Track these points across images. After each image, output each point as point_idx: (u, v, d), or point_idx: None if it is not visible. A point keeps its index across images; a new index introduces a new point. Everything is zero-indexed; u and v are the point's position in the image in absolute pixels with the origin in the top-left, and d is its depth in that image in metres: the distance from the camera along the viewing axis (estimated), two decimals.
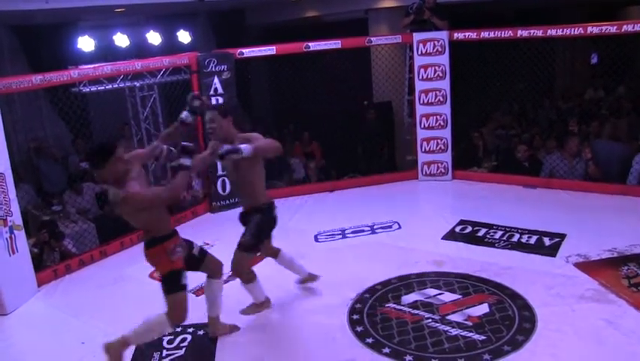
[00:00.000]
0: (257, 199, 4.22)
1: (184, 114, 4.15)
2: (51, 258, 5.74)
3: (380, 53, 8.10)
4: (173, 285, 3.76)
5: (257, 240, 4.22)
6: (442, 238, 5.67)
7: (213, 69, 6.80)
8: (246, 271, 4.30)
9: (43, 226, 5.89)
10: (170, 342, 4.23)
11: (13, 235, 5.02)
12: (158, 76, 6.72)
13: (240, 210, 4.39)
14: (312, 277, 4.83)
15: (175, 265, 3.77)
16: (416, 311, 4.33)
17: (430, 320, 4.18)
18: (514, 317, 4.12)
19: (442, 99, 7.27)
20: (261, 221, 4.21)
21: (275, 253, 4.66)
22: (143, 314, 4.36)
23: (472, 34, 7.01)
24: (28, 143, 8.09)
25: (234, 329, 4.31)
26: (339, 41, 7.26)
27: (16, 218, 5.09)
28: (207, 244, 5.80)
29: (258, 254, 4.52)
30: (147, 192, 3.67)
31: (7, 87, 5.19)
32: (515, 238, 5.50)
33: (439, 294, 4.55)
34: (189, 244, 4.03)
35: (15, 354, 4.38)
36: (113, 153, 3.51)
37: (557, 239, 5.37)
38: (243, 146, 3.93)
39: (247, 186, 4.21)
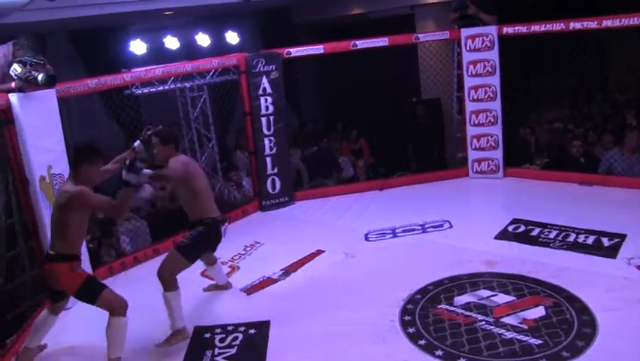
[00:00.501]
0: (197, 215, 4.43)
1: (136, 143, 4.52)
2: (108, 254, 5.89)
3: (427, 49, 8.00)
4: (94, 290, 3.99)
5: (194, 246, 4.33)
6: (494, 238, 5.55)
7: (261, 69, 6.85)
8: (171, 276, 4.24)
9: (99, 224, 6.08)
10: (222, 340, 4.27)
11: None
12: (208, 77, 6.81)
13: None
14: (228, 285, 5.06)
15: (84, 275, 4.04)
16: (469, 313, 4.25)
17: (483, 323, 4.10)
18: (572, 321, 3.99)
19: (491, 95, 7.12)
20: (201, 232, 4.37)
21: (211, 261, 4.91)
22: (196, 310, 4.42)
23: (522, 29, 6.84)
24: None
25: None
26: (386, 39, 7.21)
27: None
28: (257, 242, 5.85)
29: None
30: (96, 196, 4.06)
31: (66, 91, 5.35)
32: (571, 238, 5.33)
33: (493, 295, 4.46)
34: None
35: (73, 347, 4.49)
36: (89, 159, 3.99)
37: (617, 239, 5.18)
38: (145, 171, 4.07)
39: (185, 203, 4.49)
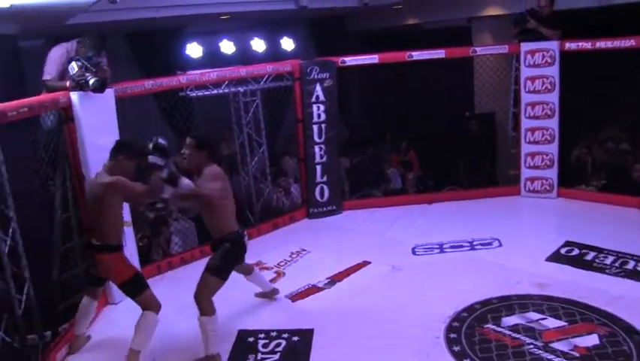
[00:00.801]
0: (222, 231, 4.28)
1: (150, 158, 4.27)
2: (158, 252, 5.99)
3: (484, 62, 7.85)
4: (140, 286, 4.14)
5: (224, 264, 4.22)
6: (545, 260, 5.40)
7: (315, 77, 6.86)
8: (207, 300, 4.14)
9: (149, 223, 6.21)
10: (265, 346, 4.29)
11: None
12: (262, 82, 6.84)
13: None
14: (274, 292, 5.01)
15: (134, 269, 4.20)
16: (517, 335, 4.14)
17: (532, 346, 3.99)
18: (630, 353, 3.83)
19: (549, 113, 6.94)
20: (229, 249, 4.26)
21: (247, 271, 4.84)
22: (241, 314, 4.42)
23: (585, 44, 6.64)
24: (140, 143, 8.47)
25: None
26: (443, 51, 7.12)
27: (126, 214, 5.26)
28: (304, 250, 5.85)
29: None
30: (130, 182, 4.13)
31: (123, 92, 5.47)
32: (630, 266, 5.12)
33: (542, 319, 4.33)
34: None
35: (118, 340, 4.54)
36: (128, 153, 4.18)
37: None
38: (185, 182, 4.06)
39: (209, 220, 4.31)
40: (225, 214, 4.26)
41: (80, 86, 4.83)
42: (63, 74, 5.06)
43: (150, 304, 4.09)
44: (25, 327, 4.32)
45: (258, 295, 5.00)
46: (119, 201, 4.14)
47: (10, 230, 4.30)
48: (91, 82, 4.76)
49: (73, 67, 4.80)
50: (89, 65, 4.80)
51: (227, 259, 4.23)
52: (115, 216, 4.11)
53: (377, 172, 8.24)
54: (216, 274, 4.15)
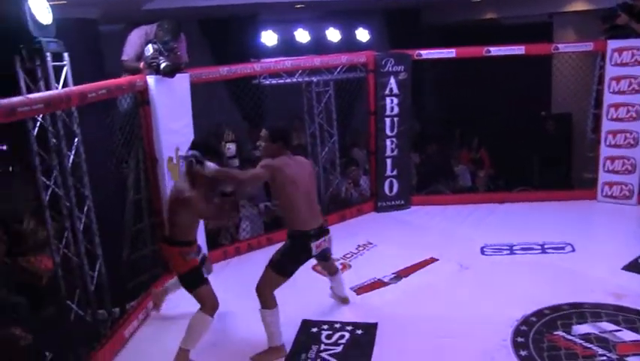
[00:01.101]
0: (290, 225, 4.14)
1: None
2: (226, 237, 6.13)
3: (564, 59, 7.58)
4: (196, 281, 4.11)
5: (283, 261, 4.08)
6: (622, 268, 5.17)
7: (390, 69, 6.81)
8: (267, 293, 4.06)
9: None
10: (328, 337, 4.30)
11: None
12: (335, 72, 6.83)
13: None
14: (346, 300, 4.79)
15: (192, 264, 4.12)
16: (589, 345, 3.99)
17: (604, 358, 3.83)
18: None
19: (634, 115, 6.63)
20: (289, 246, 4.13)
21: (331, 270, 4.66)
22: (306, 303, 4.43)
23: None
24: (211, 129, 8.65)
25: None
26: (523, 47, 6.90)
27: None
28: (370, 243, 5.84)
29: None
30: (201, 205, 4.01)
31: (198, 77, 5.56)
32: None
33: (617, 330, 4.15)
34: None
35: (184, 320, 4.47)
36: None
37: None
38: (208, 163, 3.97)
39: (281, 210, 4.27)
40: (292, 209, 4.06)
41: (152, 68, 4.93)
42: (140, 55, 5.19)
43: (204, 302, 4.08)
44: (96, 303, 4.55)
45: (331, 296, 4.86)
46: (189, 214, 4.09)
47: (85, 208, 4.51)
48: (162, 65, 4.86)
49: (149, 49, 4.91)
50: (163, 49, 4.90)
51: (286, 256, 4.10)
52: (184, 222, 4.08)
53: (445, 169, 8.13)
54: (275, 269, 4.07)
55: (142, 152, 5.18)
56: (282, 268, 4.07)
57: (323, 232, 4.18)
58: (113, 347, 4.25)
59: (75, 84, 4.33)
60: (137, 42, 5.26)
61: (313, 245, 4.08)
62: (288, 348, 4.15)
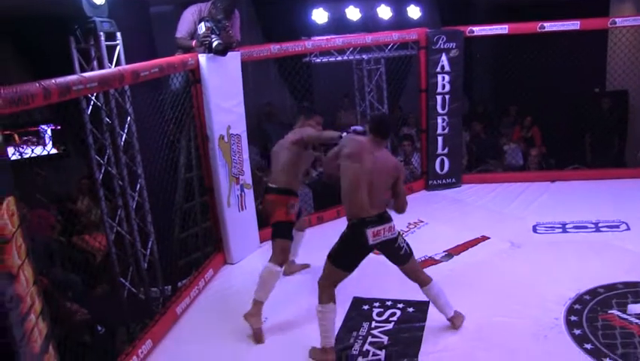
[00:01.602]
0: (349, 213, 3.80)
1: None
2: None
3: (621, 34, 7.38)
4: (283, 232, 4.37)
5: (340, 252, 3.78)
6: None
7: (442, 46, 6.78)
8: (326, 287, 3.79)
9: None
10: (379, 315, 4.36)
11: (243, 193, 5.49)
12: (386, 50, 6.83)
13: None
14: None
15: (290, 217, 4.41)
16: None
17: None
18: None
19: None
20: (343, 237, 3.81)
21: (423, 281, 4.00)
22: (357, 281, 4.41)
23: None
24: (260, 108, 8.75)
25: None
26: (578, 22, 6.76)
27: (247, 177, 5.54)
28: (421, 221, 5.88)
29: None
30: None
31: (249, 55, 5.61)
32: None
33: None
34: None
35: (236, 298, 4.77)
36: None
37: None
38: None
39: (342, 195, 3.85)
40: (355, 194, 3.70)
41: (204, 46, 4.95)
42: (193, 33, 5.18)
43: (277, 254, 4.30)
44: (148, 281, 4.64)
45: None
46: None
47: (138, 187, 4.57)
48: (214, 44, 4.87)
49: (202, 27, 4.92)
50: (215, 28, 4.90)
51: (342, 246, 3.78)
52: (300, 172, 4.57)
53: (495, 147, 8.06)
54: (330, 259, 3.78)
55: (193, 130, 5.23)
56: (336, 258, 3.78)
57: (378, 219, 3.74)
58: (166, 324, 4.35)
59: (127, 64, 4.37)
60: (191, 19, 5.23)
61: (369, 232, 3.67)
62: (338, 325, 4.09)
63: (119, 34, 4.38)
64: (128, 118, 4.47)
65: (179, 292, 4.74)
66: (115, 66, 4.30)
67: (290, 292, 4.71)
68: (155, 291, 4.71)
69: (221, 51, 4.93)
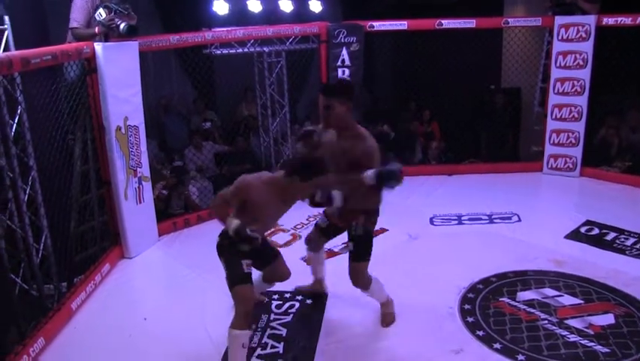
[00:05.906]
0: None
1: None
2: (178, 204, 6.03)
3: (514, 34, 7.68)
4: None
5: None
6: (564, 237, 5.35)
7: (342, 40, 6.78)
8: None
9: (173, 171, 6.29)
10: (278, 307, 4.33)
11: (141, 186, 5.32)
12: (287, 43, 6.75)
13: None
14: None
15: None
16: (532, 310, 4.13)
17: (546, 322, 3.98)
18: None
19: (579, 90, 6.79)
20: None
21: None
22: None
23: (625, 20, 6.39)
24: (158, 100, 8.45)
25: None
26: (474, 21, 6.98)
27: (145, 170, 5.37)
28: (322, 214, 5.81)
29: None
30: None
31: (147, 45, 5.41)
32: None
33: (558, 296, 4.31)
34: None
35: (133, 293, 4.77)
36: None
37: None
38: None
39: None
40: None
41: (112, 30, 4.79)
42: (90, 21, 4.98)
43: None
44: (41, 277, 4.42)
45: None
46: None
47: (30, 179, 4.35)
48: (122, 26, 4.76)
49: (101, 13, 4.78)
50: (118, 9, 4.78)
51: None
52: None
53: (406, 143, 8.12)
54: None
55: (89, 121, 5.01)
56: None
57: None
58: (60, 321, 4.18)
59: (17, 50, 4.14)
60: (84, 7, 4.99)
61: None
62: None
63: (7, 18, 4.16)
64: (19, 108, 4.21)
65: (74, 288, 4.54)
66: (3, 52, 4.09)
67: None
68: (50, 288, 4.52)
69: (132, 32, 4.83)
